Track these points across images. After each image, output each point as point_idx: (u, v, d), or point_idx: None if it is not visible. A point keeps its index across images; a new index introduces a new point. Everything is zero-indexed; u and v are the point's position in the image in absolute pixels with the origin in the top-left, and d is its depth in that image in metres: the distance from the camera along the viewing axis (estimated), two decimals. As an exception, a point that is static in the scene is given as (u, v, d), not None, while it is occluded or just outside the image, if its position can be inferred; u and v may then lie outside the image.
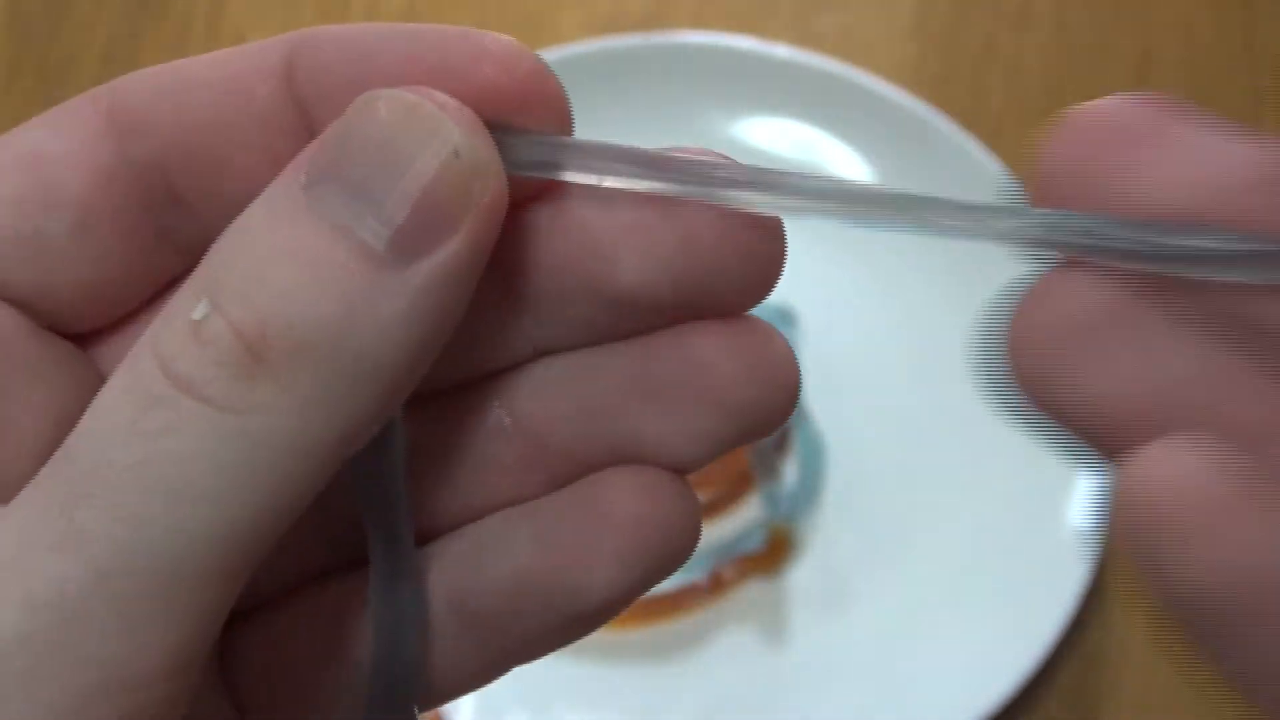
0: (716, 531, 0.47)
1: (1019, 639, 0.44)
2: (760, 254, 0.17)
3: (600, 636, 0.51)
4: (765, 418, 0.18)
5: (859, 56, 0.53)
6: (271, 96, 0.17)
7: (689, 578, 0.46)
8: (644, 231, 0.17)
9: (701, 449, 0.18)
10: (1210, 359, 0.16)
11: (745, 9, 0.56)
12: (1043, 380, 0.16)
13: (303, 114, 0.17)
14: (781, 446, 0.48)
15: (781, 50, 0.52)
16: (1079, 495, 0.45)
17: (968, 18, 0.55)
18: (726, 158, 0.17)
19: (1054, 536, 0.45)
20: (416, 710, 0.19)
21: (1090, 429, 0.17)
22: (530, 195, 0.18)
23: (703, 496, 0.47)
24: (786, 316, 0.48)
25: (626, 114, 0.50)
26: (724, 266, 0.17)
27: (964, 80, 0.54)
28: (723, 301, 0.18)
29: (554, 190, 0.17)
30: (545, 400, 0.18)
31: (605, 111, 0.50)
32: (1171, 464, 0.16)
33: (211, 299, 0.16)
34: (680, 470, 0.18)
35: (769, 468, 0.47)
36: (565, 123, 0.17)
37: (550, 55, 0.51)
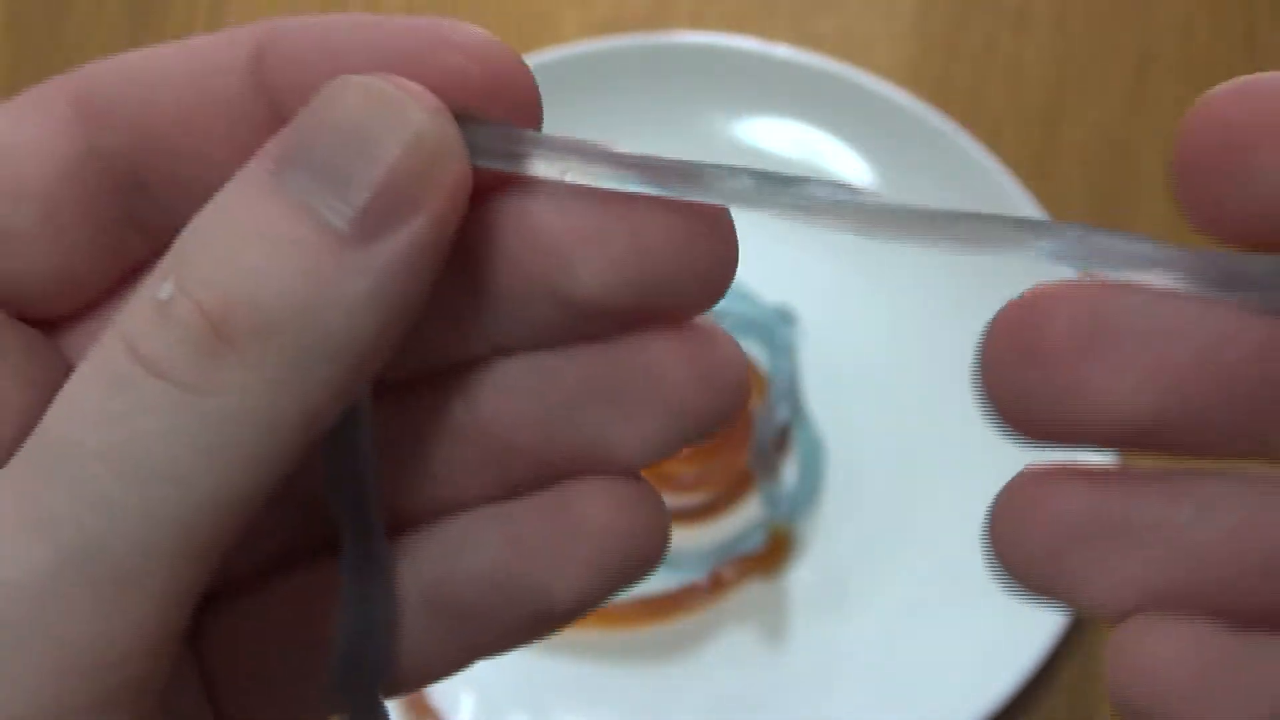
0: (716, 531, 0.47)
1: (1019, 639, 0.44)
2: (713, 260, 0.18)
3: (600, 637, 0.51)
4: (713, 420, 0.19)
5: (859, 56, 0.53)
6: (239, 87, 0.17)
7: (689, 578, 0.46)
8: (600, 238, 0.17)
9: (652, 451, 0.19)
10: (1202, 543, 0.17)
11: (745, 9, 0.56)
12: (1036, 583, 0.17)
13: (271, 104, 0.17)
14: (781, 446, 0.48)
15: (781, 50, 0.52)
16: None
17: (968, 18, 0.55)
18: (688, 162, 0.17)
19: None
20: (382, 696, 0.20)
21: (1087, 610, 0.17)
22: (491, 188, 0.18)
23: (703, 497, 0.48)
24: (786, 316, 0.48)
25: (626, 114, 0.50)
26: (678, 273, 0.18)
27: (964, 80, 0.54)
28: (678, 306, 0.18)
29: (514, 191, 0.18)
30: (505, 399, 0.19)
31: (605, 112, 0.50)
32: (1155, 641, 0.16)
33: (177, 280, 0.16)
34: (631, 470, 0.19)
35: (769, 468, 0.47)
36: (535, 116, 0.17)
37: (550, 55, 0.51)
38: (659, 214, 0.17)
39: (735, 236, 0.18)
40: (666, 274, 0.17)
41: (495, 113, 0.17)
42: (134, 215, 0.18)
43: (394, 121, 0.16)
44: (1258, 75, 0.16)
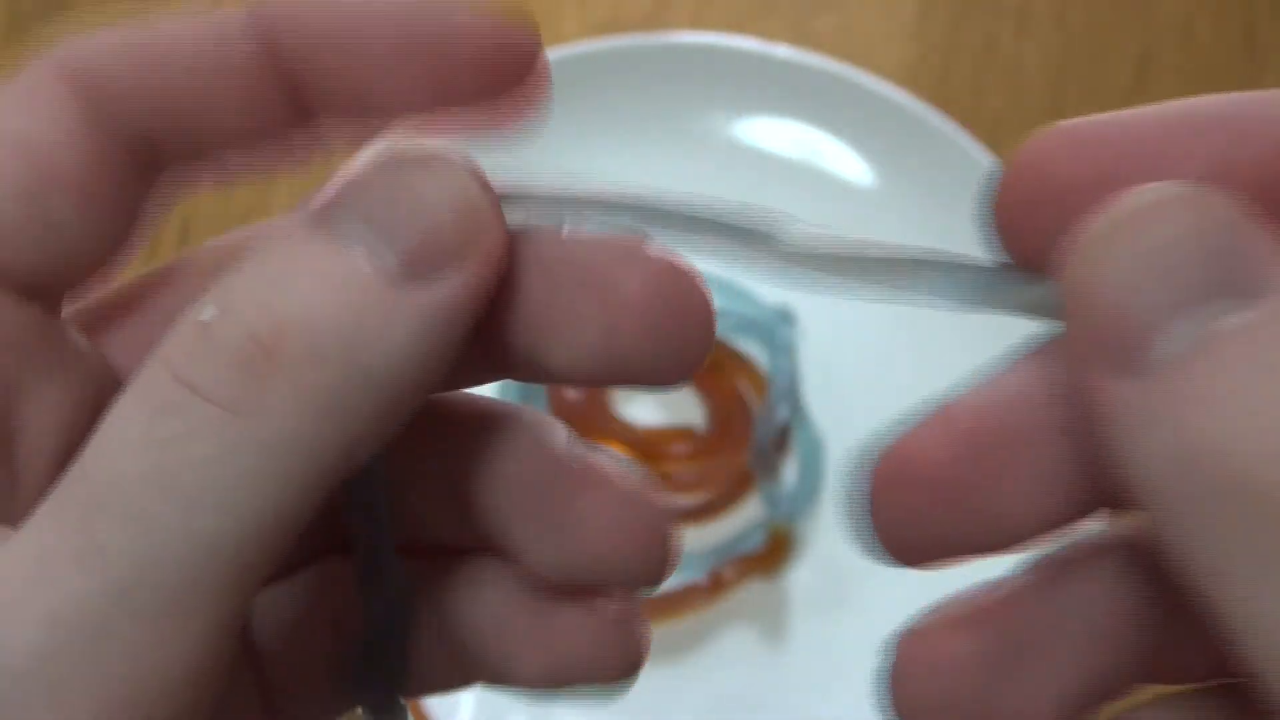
0: (716, 531, 0.47)
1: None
2: (687, 342, 0.18)
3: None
4: (633, 581, 0.20)
5: (859, 56, 0.53)
6: (250, 61, 0.18)
7: (689, 578, 0.46)
8: (573, 321, 0.18)
9: (562, 577, 0.20)
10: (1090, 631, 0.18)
11: (745, 9, 0.56)
12: None
13: (284, 78, 0.18)
14: (781, 446, 0.48)
15: (781, 50, 0.52)
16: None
17: (968, 18, 0.55)
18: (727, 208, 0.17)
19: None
20: (400, 696, 0.21)
21: None
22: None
23: (703, 497, 0.48)
24: (786, 316, 0.48)
25: (626, 114, 0.50)
26: (647, 358, 0.18)
27: (964, 80, 0.54)
28: (650, 381, 0.18)
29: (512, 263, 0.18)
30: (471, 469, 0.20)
31: (605, 111, 0.50)
32: None
33: (223, 305, 0.16)
34: (537, 576, 0.20)
35: (769, 468, 0.47)
36: (541, 88, 0.18)
37: (550, 55, 0.51)
38: (636, 301, 0.17)
39: (713, 321, 0.18)
40: (634, 357, 0.18)
41: (503, 85, 0.18)
42: (157, 194, 0.19)
43: (442, 182, 0.16)
44: (1074, 122, 0.16)
